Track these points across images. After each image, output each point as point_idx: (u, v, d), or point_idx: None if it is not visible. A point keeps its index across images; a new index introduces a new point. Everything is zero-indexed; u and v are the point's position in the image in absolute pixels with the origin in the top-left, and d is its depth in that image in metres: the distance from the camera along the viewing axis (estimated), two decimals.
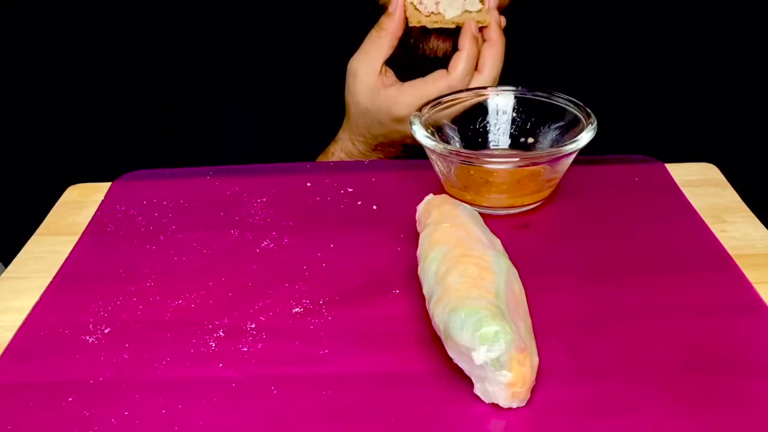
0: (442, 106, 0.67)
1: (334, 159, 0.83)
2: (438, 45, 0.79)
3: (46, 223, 0.64)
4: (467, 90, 0.70)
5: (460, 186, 0.61)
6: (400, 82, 0.77)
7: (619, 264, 0.55)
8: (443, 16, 0.76)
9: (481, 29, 0.76)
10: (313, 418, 0.43)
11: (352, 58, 0.79)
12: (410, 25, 0.77)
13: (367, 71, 0.77)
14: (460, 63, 0.74)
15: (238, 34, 0.96)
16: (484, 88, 0.70)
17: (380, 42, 0.77)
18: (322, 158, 0.85)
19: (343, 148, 0.83)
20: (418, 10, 0.76)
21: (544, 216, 0.62)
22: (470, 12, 0.76)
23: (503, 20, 0.78)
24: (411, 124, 0.62)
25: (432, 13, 0.76)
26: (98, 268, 0.57)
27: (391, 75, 0.78)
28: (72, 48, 0.98)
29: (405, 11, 0.76)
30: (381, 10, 0.81)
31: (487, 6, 0.76)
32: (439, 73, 0.75)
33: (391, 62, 0.78)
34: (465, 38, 0.75)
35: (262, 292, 0.53)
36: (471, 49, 0.75)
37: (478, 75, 0.75)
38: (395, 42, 0.77)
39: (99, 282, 0.55)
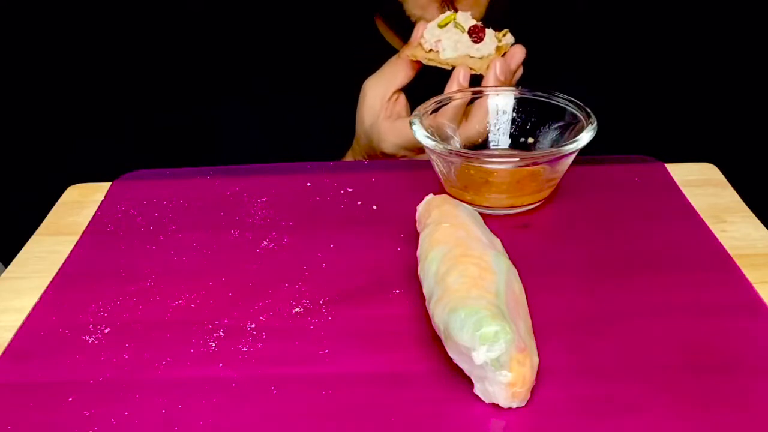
0: (441, 107, 0.67)
1: None
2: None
3: (46, 223, 0.64)
4: (467, 89, 0.70)
5: (460, 186, 0.61)
6: (401, 117, 0.76)
7: (619, 264, 0.55)
8: (439, 56, 0.72)
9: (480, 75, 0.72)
10: (313, 418, 0.43)
11: (368, 78, 0.78)
12: (407, 56, 0.74)
13: (375, 94, 0.76)
14: (443, 111, 0.70)
15: (238, 34, 0.96)
16: (485, 87, 0.70)
17: (395, 69, 0.76)
18: None
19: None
20: (420, 44, 0.74)
21: (544, 216, 0.62)
22: (471, 57, 0.72)
23: (519, 72, 0.74)
24: (411, 124, 0.62)
25: (431, 50, 0.73)
26: (98, 268, 0.57)
27: (401, 105, 0.76)
28: (72, 48, 0.98)
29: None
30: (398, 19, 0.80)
31: (491, 59, 0.72)
32: None
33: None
34: (450, 85, 0.71)
35: (262, 292, 0.54)
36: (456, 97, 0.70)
37: (465, 123, 0.70)
38: (412, 73, 0.75)
39: (99, 282, 0.55)
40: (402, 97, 0.77)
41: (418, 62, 0.74)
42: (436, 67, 0.74)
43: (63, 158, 0.97)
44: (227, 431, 0.43)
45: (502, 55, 0.73)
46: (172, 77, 0.97)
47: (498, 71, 0.71)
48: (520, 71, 0.75)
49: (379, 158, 0.77)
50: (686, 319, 0.49)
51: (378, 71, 0.77)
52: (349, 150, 0.83)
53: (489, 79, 0.71)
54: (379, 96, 0.76)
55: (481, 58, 0.72)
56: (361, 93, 0.78)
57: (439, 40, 0.72)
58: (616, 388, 0.45)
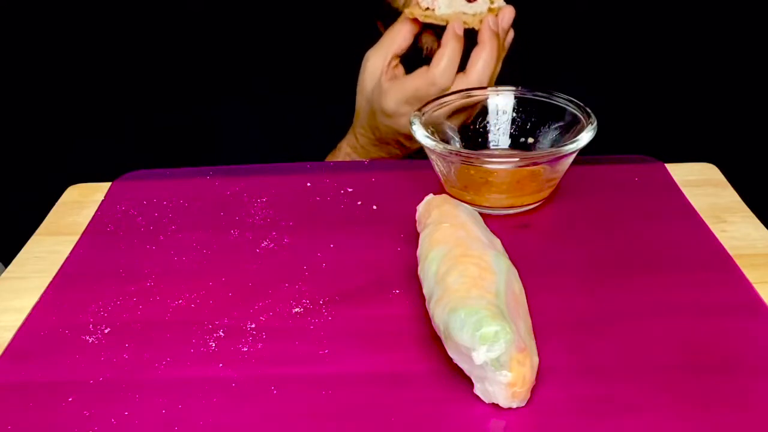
0: (442, 107, 0.67)
1: (341, 153, 0.83)
2: (427, 40, 0.79)
3: (46, 223, 0.64)
4: (466, 90, 0.70)
5: (460, 186, 0.61)
6: (400, 78, 0.77)
7: (619, 264, 0.55)
8: (435, 13, 0.75)
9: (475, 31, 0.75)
10: (313, 418, 0.43)
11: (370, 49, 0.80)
12: (406, 15, 0.77)
13: (376, 60, 0.78)
14: (439, 60, 0.74)
15: (238, 34, 0.96)
16: (484, 88, 0.70)
17: (392, 34, 0.77)
18: (331, 155, 0.85)
19: (349, 142, 0.83)
20: (418, 2, 0.76)
21: (544, 216, 0.62)
22: (466, 14, 0.75)
23: (511, 35, 0.77)
24: (411, 124, 0.62)
25: (428, 8, 0.76)
26: (98, 268, 0.57)
27: (400, 71, 0.78)
28: (72, 48, 0.98)
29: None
30: (389, 10, 0.81)
31: (482, 12, 0.75)
32: (421, 69, 0.75)
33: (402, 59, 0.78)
34: (446, 36, 0.74)
35: (262, 292, 0.54)
36: (451, 48, 0.74)
37: (463, 76, 0.74)
38: (409, 37, 0.77)
39: (99, 282, 0.55)
40: (400, 66, 0.78)
41: (416, 21, 0.76)
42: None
43: (63, 158, 0.97)
44: (227, 431, 0.43)
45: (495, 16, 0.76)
46: (172, 77, 0.97)
47: (491, 24, 0.74)
48: (512, 34, 0.77)
49: (381, 124, 0.78)
50: (686, 319, 0.49)
51: (377, 42, 0.79)
52: (348, 131, 0.84)
53: (483, 31, 0.74)
54: (380, 60, 0.78)
55: (474, 15, 0.75)
56: (363, 63, 0.79)
57: None
58: (616, 388, 0.45)
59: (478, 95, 0.68)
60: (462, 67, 0.75)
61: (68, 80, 0.99)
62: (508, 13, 0.76)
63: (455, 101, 0.67)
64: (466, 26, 0.75)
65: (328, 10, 0.93)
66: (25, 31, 1.00)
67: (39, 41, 0.99)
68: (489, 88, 0.69)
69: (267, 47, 0.94)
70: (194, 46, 0.96)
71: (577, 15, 0.95)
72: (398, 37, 0.77)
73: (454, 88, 0.74)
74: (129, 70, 0.98)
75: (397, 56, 0.78)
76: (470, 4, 0.75)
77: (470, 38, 0.75)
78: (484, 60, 0.74)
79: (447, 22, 0.75)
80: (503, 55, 0.77)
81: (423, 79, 0.74)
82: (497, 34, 0.74)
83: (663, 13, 0.99)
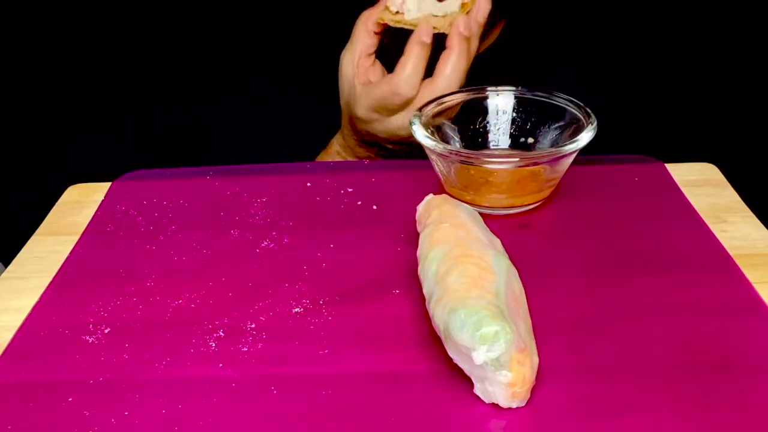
0: (440, 107, 0.67)
1: (332, 151, 0.83)
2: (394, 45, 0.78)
3: (46, 223, 0.64)
4: (466, 90, 0.70)
5: (460, 186, 0.61)
6: (370, 84, 0.77)
7: (619, 264, 0.55)
8: (404, 17, 0.74)
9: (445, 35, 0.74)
10: (313, 418, 0.43)
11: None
12: (377, 20, 0.75)
13: (347, 62, 0.77)
14: (402, 68, 0.72)
15: (238, 34, 0.96)
16: (483, 88, 0.70)
17: (357, 33, 0.77)
18: (323, 152, 0.85)
19: (339, 141, 0.84)
20: (388, 7, 0.75)
21: (544, 216, 0.62)
22: (435, 16, 0.73)
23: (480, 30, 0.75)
24: (411, 124, 0.62)
25: (398, 12, 0.74)
26: (98, 268, 0.57)
27: (375, 72, 0.77)
28: (72, 48, 0.98)
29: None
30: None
31: (453, 15, 0.73)
32: (386, 77, 0.74)
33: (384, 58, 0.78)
34: (410, 43, 0.73)
35: (262, 292, 0.54)
36: (416, 55, 0.72)
37: (430, 82, 0.72)
38: (372, 34, 0.76)
39: (99, 282, 0.55)
40: (377, 64, 0.77)
41: (385, 24, 0.75)
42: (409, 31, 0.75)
43: (63, 158, 0.97)
44: (227, 431, 0.43)
45: (467, 13, 0.74)
46: (172, 77, 0.97)
47: (462, 28, 0.72)
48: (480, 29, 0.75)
49: (359, 130, 0.78)
50: (686, 319, 0.49)
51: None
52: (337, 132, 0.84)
53: (453, 37, 0.72)
54: (351, 62, 0.77)
55: (444, 16, 0.73)
56: (339, 66, 0.79)
57: (404, 1, 0.73)
58: (616, 388, 0.45)
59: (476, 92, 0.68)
60: (430, 72, 0.73)
61: (68, 80, 0.99)
62: (484, 6, 0.74)
63: (453, 101, 0.67)
64: (436, 30, 0.73)
65: (328, 11, 0.93)
66: (25, 31, 1.00)
67: (39, 41, 0.99)
68: (489, 88, 0.69)
69: (267, 47, 0.94)
70: (194, 46, 0.96)
71: (577, 15, 0.95)
72: (361, 34, 0.76)
73: (420, 95, 0.72)
74: (129, 70, 0.98)
75: (369, 54, 0.76)
76: (440, 4, 0.73)
77: (440, 42, 0.73)
78: (452, 65, 0.72)
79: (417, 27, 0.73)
80: (473, 56, 0.75)
81: (387, 88, 0.73)
82: (467, 39, 0.72)
83: (663, 14, 0.99)
